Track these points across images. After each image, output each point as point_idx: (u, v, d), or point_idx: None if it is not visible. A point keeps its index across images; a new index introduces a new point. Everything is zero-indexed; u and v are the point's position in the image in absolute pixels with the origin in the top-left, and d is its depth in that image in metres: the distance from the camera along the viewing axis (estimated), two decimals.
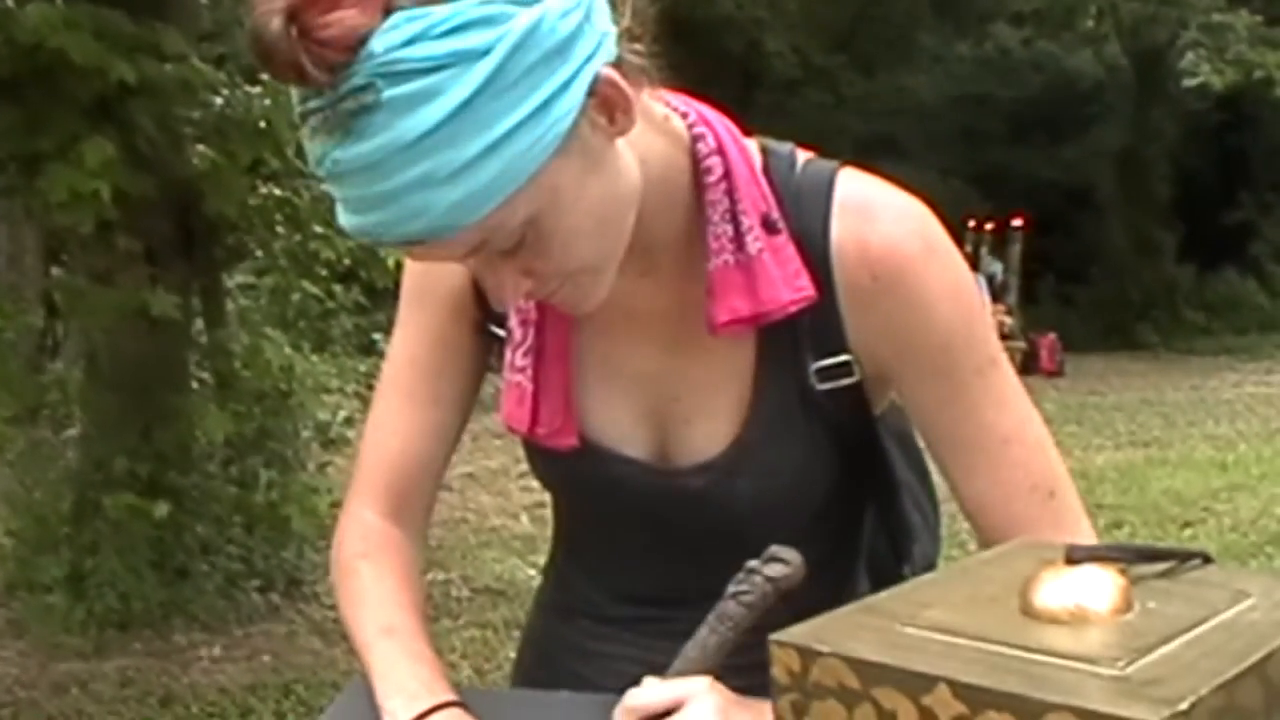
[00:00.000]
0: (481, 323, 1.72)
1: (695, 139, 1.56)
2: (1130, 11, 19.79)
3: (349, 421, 8.33)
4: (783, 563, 1.41)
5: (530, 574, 7.52)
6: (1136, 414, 13.38)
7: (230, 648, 6.81)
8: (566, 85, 1.33)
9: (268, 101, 7.26)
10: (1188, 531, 8.66)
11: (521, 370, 1.65)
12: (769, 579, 1.41)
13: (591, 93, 1.35)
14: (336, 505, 8.08)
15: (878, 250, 1.54)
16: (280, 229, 7.78)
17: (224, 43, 9.08)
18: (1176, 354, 19.10)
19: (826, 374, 1.60)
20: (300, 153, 7.43)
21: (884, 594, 1.26)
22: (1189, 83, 18.30)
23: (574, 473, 1.70)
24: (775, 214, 1.56)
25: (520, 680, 1.98)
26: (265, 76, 7.43)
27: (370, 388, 8.31)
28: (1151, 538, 8.24)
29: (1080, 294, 21.48)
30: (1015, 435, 1.60)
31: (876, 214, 1.56)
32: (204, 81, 7.09)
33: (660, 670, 1.63)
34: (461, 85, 1.27)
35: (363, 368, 8.35)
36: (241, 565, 7.34)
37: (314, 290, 8.32)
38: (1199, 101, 20.44)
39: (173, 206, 7.14)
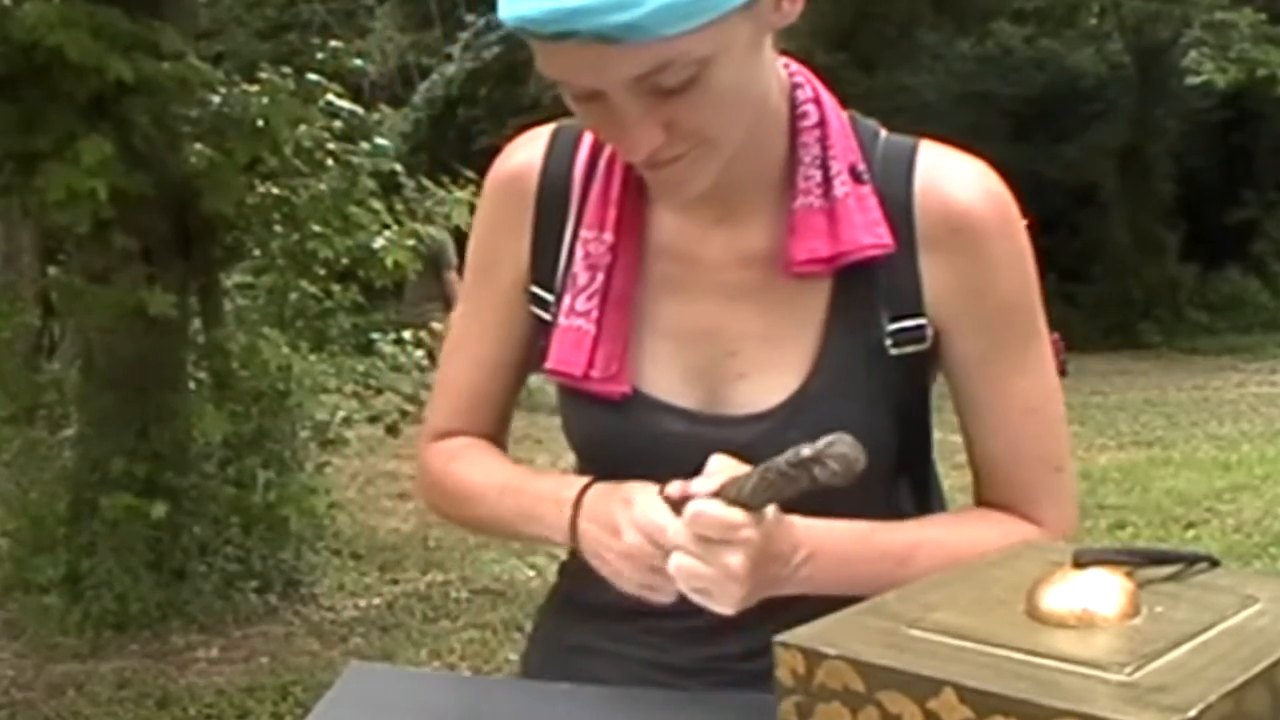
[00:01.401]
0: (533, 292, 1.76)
1: (794, 86, 1.66)
2: (1133, 9, 19.76)
3: (347, 421, 8.29)
4: (833, 471, 1.38)
5: (529, 574, 7.48)
6: (1139, 414, 13.34)
7: (227, 649, 6.78)
8: None
9: (265, 100, 7.23)
10: (1191, 532, 8.61)
11: (583, 314, 1.68)
12: (815, 480, 1.39)
13: None
14: (335, 506, 8.14)
15: (961, 206, 1.61)
16: (278, 228, 7.72)
17: (221, 40, 9.08)
18: (1180, 353, 19.04)
19: (901, 337, 1.64)
20: (298, 151, 7.44)
21: (890, 595, 1.27)
22: (1192, 81, 18.26)
23: (618, 426, 1.70)
24: (862, 166, 1.63)
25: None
26: (263, 75, 7.43)
27: (368, 388, 8.36)
28: (1154, 538, 8.21)
29: (1083, 293, 21.42)
30: (1039, 407, 1.68)
31: (960, 174, 1.64)
32: (201, 80, 7.06)
33: (674, 672, 1.60)
34: None
35: (361, 367, 8.30)
36: (239, 566, 7.29)
37: (312, 290, 8.27)
38: (1202, 100, 20.40)
39: (170, 205, 7.11)
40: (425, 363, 8.66)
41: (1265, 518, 8.95)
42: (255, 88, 7.40)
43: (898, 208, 1.61)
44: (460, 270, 9.63)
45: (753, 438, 1.62)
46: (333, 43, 8.79)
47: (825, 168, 1.62)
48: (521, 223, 1.75)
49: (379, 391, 8.35)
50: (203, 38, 8.07)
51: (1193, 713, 0.98)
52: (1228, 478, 10.19)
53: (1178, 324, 20.62)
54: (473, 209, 7.85)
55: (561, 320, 1.69)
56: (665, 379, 1.68)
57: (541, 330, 1.75)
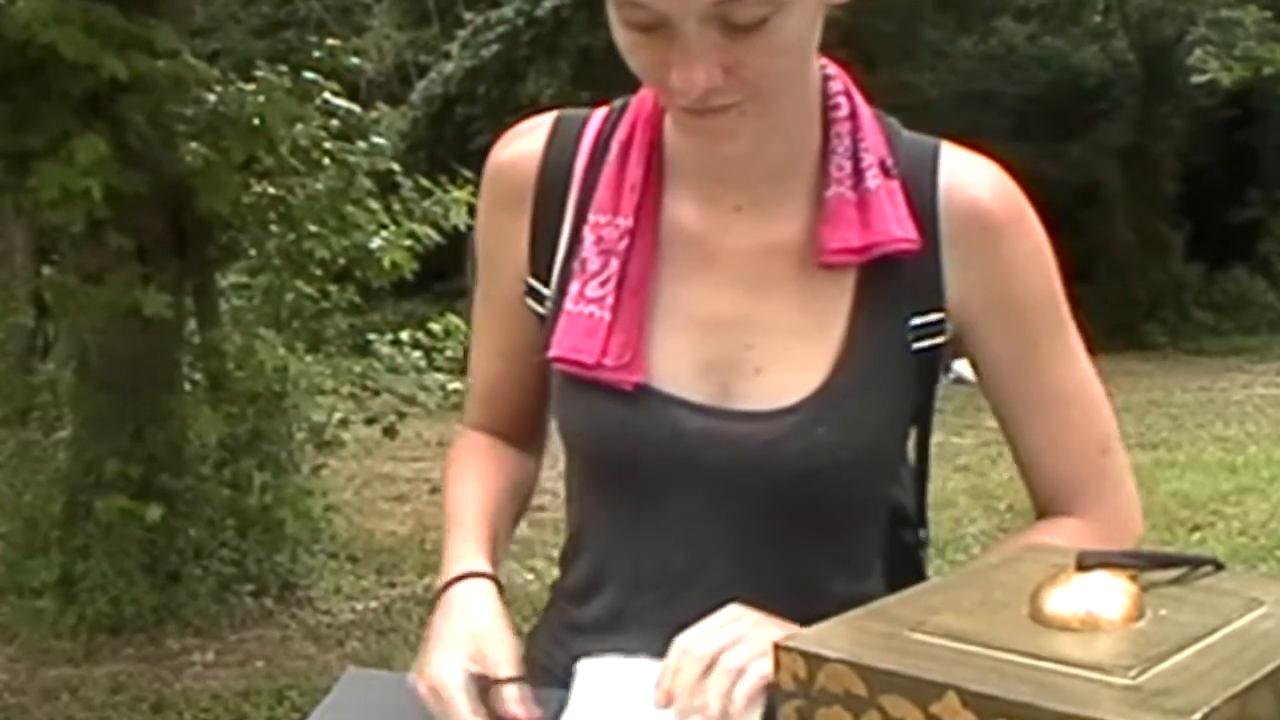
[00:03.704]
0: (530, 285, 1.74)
1: (826, 78, 1.66)
2: (1137, 6, 19.77)
3: (344, 423, 8.29)
4: None
5: (527, 578, 7.44)
6: (1144, 415, 13.30)
7: (223, 653, 6.77)
8: None
9: (261, 98, 7.24)
10: (1196, 535, 8.59)
11: (596, 300, 1.64)
12: None
13: None
14: (331, 508, 8.13)
15: (989, 204, 1.63)
16: (274, 228, 7.76)
17: (217, 38, 9.08)
18: (1185, 354, 19.02)
19: (922, 331, 1.63)
20: (294, 150, 7.42)
21: (892, 598, 1.26)
22: (1197, 79, 18.27)
23: (629, 419, 1.64)
24: (890, 161, 1.63)
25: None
26: (259, 73, 7.42)
27: (365, 389, 8.35)
28: (1160, 541, 8.16)
29: (1087, 293, 21.27)
30: (1075, 396, 1.70)
31: (983, 173, 1.66)
32: (197, 78, 7.08)
33: None
34: None
35: (357, 369, 8.30)
36: (234, 569, 7.30)
37: (308, 290, 8.28)
38: (1207, 98, 20.38)
39: (165, 204, 7.12)
40: (422, 364, 8.65)
41: (1271, 520, 8.92)
42: (251, 86, 7.41)
43: (923, 204, 1.62)
44: None
45: (776, 434, 1.60)
46: (330, 40, 8.83)
47: (856, 159, 1.63)
48: (520, 211, 1.72)
49: (376, 393, 8.38)
50: (198, 35, 8.08)
51: (1197, 716, 0.98)
52: (1234, 480, 10.17)
53: (1183, 324, 20.61)
54: (471, 209, 7.83)
55: (569, 306, 1.65)
56: (677, 371, 1.64)
57: (538, 323, 1.72)
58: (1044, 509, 1.74)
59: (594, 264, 1.64)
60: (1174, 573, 1.27)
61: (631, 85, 1.61)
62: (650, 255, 1.65)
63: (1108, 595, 1.16)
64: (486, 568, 1.65)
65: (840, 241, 1.60)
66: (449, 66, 20.57)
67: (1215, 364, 17.86)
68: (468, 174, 8.17)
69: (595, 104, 1.78)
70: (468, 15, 20.53)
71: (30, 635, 6.86)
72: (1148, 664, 1.05)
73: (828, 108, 1.65)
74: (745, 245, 1.65)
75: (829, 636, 1.16)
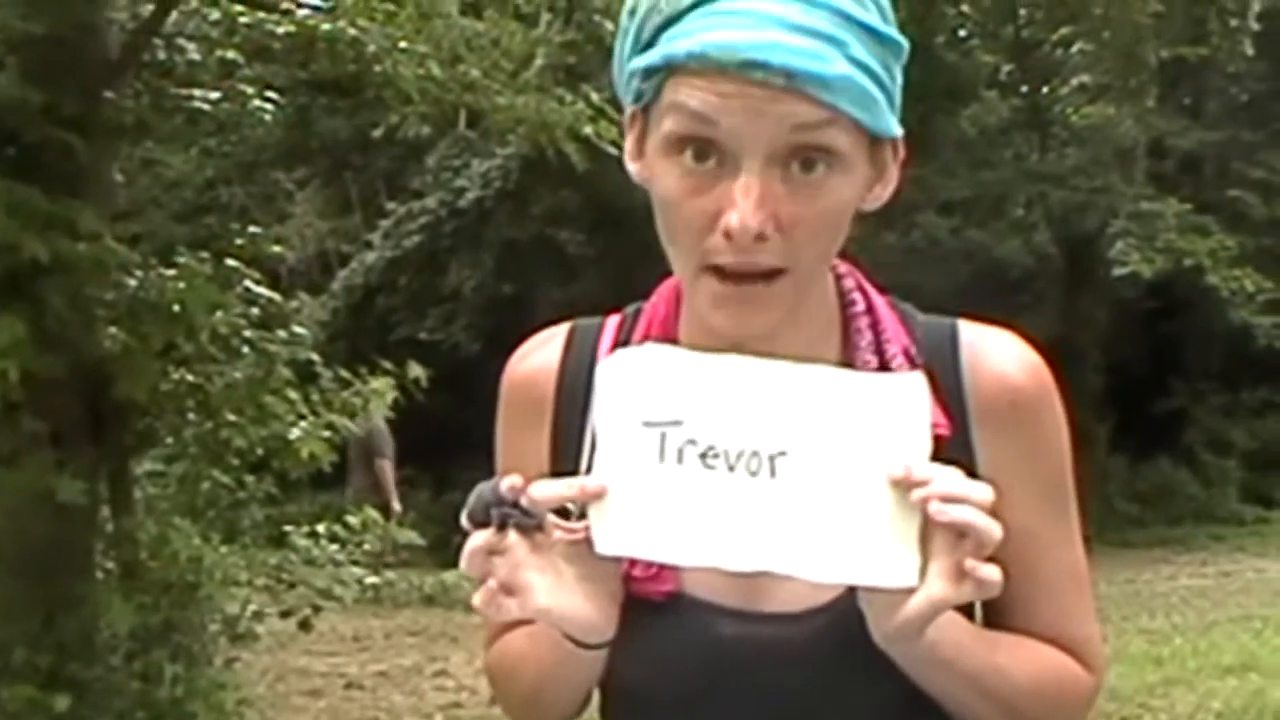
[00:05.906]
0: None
1: (839, 277, 1.69)
2: (1059, 200, 20.01)
3: (258, 616, 8.15)
4: None
5: None
6: None
7: None
8: (894, 110, 1.54)
9: (181, 284, 7.18)
10: None
11: None
12: None
13: (893, 141, 1.57)
14: (244, 702, 7.94)
15: (1016, 379, 1.67)
16: (191, 415, 7.70)
17: (139, 222, 9.04)
18: (1109, 546, 18.95)
19: None
20: (214, 338, 7.35)
21: None
22: (1119, 271, 18.51)
23: (664, 629, 1.63)
24: (914, 350, 1.65)
25: None
26: (181, 258, 7.36)
27: (280, 581, 8.21)
28: None
29: None
30: (1080, 571, 1.72)
31: (1007, 348, 1.70)
32: (118, 261, 7.03)
33: None
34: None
35: (273, 560, 8.22)
36: None
37: (224, 479, 8.21)
38: (1130, 289, 20.65)
39: (82, 389, 7.04)
40: (340, 557, 8.55)
41: (1198, 712, 8.88)
42: (172, 271, 7.38)
43: (949, 387, 1.63)
44: (395, 459, 9.46)
45: (812, 634, 1.59)
46: (251, 227, 8.83)
47: (880, 353, 1.64)
48: (539, 424, 1.72)
49: (291, 585, 8.26)
50: (120, 218, 8.03)
51: None
52: (1160, 672, 10.13)
53: (1108, 516, 20.57)
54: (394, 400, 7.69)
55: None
56: (708, 577, 1.59)
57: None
58: None
59: None
60: None
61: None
62: None
63: None
64: None
65: None
66: (370, 256, 20.51)
67: (1140, 555, 17.91)
68: (388, 365, 8.16)
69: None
70: (390, 205, 20.58)
71: None
72: None
73: (845, 304, 1.67)
74: None
75: None
